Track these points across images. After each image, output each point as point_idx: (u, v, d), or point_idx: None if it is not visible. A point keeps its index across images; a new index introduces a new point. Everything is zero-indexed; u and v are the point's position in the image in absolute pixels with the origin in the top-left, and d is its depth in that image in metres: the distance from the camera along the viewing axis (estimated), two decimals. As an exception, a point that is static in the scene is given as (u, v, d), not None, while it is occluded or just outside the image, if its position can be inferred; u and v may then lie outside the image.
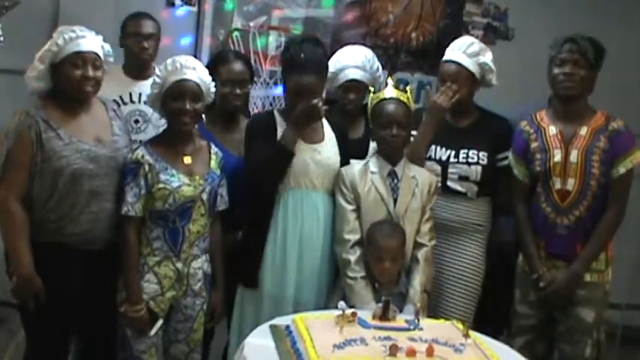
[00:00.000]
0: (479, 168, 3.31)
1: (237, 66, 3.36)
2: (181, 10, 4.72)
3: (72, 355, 3.23)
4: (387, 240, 2.95)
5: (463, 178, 3.33)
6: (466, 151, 3.32)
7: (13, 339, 3.87)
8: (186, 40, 4.72)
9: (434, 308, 3.25)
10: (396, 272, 2.99)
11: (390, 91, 3.11)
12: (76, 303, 2.91)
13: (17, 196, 2.79)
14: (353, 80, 3.44)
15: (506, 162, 3.34)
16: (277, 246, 3.06)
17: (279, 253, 3.06)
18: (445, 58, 3.37)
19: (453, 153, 3.34)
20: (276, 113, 3.15)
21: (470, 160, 3.31)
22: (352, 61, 3.48)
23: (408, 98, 3.11)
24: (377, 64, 3.55)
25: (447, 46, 3.45)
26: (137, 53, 3.61)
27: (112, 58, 3.03)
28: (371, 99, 3.15)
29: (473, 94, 3.38)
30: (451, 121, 3.40)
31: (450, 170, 3.33)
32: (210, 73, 3.10)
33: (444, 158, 3.34)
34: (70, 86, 2.87)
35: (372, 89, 3.22)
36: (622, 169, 3.11)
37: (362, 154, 3.24)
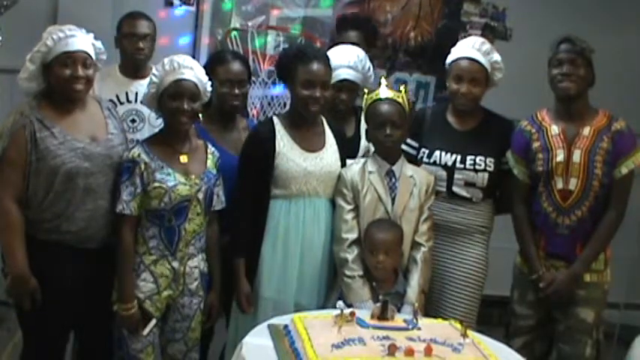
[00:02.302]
0: (485, 175, 3.27)
1: (235, 66, 3.34)
2: (180, 10, 4.72)
3: (69, 353, 3.23)
4: (381, 233, 2.96)
5: (469, 184, 3.29)
6: (473, 157, 3.28)
7: (11, 338, 3.87)
8: (185, 40, 4.72)
9: (436, 309, 3.25)
10: (391, 268, 2.99)
11: (384, 92, 3.11)
12: (73, 302, 2.91)
13: (13, 195, 2.79)
14: (345, 80, 3.40)
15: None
16: (278, 252, 3.05)
17: (279, 259, 3.05)
18: (458, 55, 3.31)
19: (459, 158, 3.28)
20: (275, 121, 3.13)
21: (477, 167, 3.27)
22: (344, 60, 3.43)
23: (402, 98, 3.11)
24: (368, 64, 3.50)
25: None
26: (132, 53, 3.60)
27: (104, 55, 3.02)
28: (365, 100, 3.15)
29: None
30: (455, 124, 3.37)
31: (456, 176, 3.29)
32: (208, 73, 3.09)
33: (449, 164, 3.29)
34: (60, 86, 2.87)
35: (366, 90, 3.21)
36: (624, 170, 3.11)
37: (352, 153, 3.25)
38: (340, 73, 3.41)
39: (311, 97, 3.02)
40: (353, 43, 3.66)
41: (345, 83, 3.40)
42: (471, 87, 3.25)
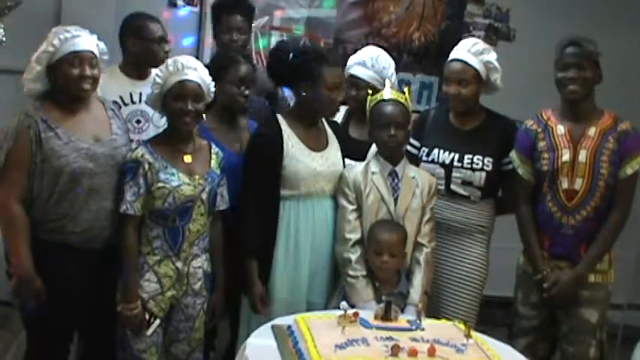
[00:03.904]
0: (483, 174, 3.28)
1: (246, 67, 3.35)
2: (183, 11, 4.73)
3: (73, 354, 3.24)
4: (387, 234, 2.97)
5: (467, 183, 3.30)
6: (471, 156, 3.29)
7: (15, 338, 3.88)
8: (189, 41, 4.73)
9: (437, 309, 3.25)
10: (394, 269, 3.00)
11: (387, 92, 3.12)
12: (77, 302, 2.91)
13: (17, 196, 2.80)
14: (353, 76, 3.45)
15: (511, 166, 3.31)
16: (290, 252, 3.05)
17: (291, 260, 3.05)
18: (450, 57, 3.35)
19: (457, 157, 3.30)
20: (280, 120, 3.13)
21: (474, 166, 3.28)
22: (357, 58, 3.52)
23: (406, 99, 3.12)
24: (383, 64, 3.51)
25: (449, 46, 3.44)
26: (158, 56, 3.48)
27: (106, 56, 3.03)
28: (369, 100, 3.15)
29: (479, 95, 3.35)
30: (456, 124, 3.38)
31: (453, 174, 3.30)
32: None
33: (447, 162, 3.31)
34: (68, 85, 2.88)
35: (369, 91, 3.22)
36: (629, 170, 3.11)
37: (363, 156, 3.25)
38: (349, 70, 3.49)
39: (336, 100, 3.11)
40: (239, 29, 3.73)
41: (353, 80, 3.45)
42: (459, 88, 3.27)
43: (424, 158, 3.36)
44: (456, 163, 3.30)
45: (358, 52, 3.58)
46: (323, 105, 3.11)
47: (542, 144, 3.21)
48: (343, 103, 3.44)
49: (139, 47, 3.53)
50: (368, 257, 3.01)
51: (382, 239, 2.96)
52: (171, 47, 3.67)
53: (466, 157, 3.30)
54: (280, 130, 3.07)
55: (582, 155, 3.14)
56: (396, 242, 2.98)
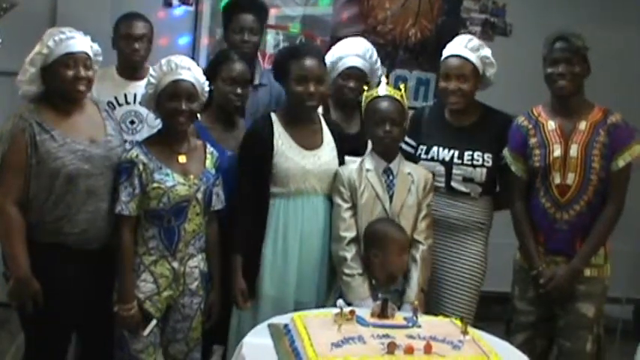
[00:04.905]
0: (484, 170, 3.28)
1: (240, 65, 3.30)
2: (179, 10, 4.73)
3: (71, 354, 3.24)
4: (400, 233, 2.98)
5: (468, 180, 3.30)
6: (471, 152, 3.29)
7: (13, 340, 3.88)
8: (184, 40, 4.73)
9: (435, 305, 3.25)
10: (404, 268, 3.00)
11: (383, 89, 3.12)
12: (74, 303, 2.91)
13: (14, 199, 2.80)
14: (353, 67, 3.43)
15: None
16: (278, 249, 3.06)
17: (279, 256, 3.06)
18: (447, 54, 3.34)
19: (457, 153, 3.30)
20: (274, 118, 3.14)
21: (475, 163, 3.28)
22: (352, 49, 3.48)
23: (402, 96, 3.11)
24: (376, 56, 3.54)
25: (446, 42, 3.44)
26: (128, 55, 3.60)
27: (100, 57, 3.03)
28: (365, 97, 3.15)
29: (476, 90, 3.35)
30: (452, 121, 3.38)
31: (454, 171, 3.30)
32: (212, 71, 3.13)
33: (447, 159, 3.31)
34: (63, 87, 2.88)
35: (366, 87, 3.22)
36: (621, 163, 3.10)
37: (358, 150, 3.25)
38: (347, 62, 3.45)
39: (305, 93, 3.04)
40: (251, 29, 3.65)
41: (352, 71, 3.42)
42: (459, 83, 3.27)
43: (423, 156, 3.36)
44: (456, 160, 3.30)
45: (345, 45, 3.52)
46: (293, 99, 3.11)
47: (533, 140, 3.21)
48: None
49: (123, 45, 3.58)
50: (372, 258, 2.99)
51: (399, 238, 2.96)
52: (151, 47, 3.68)
53: (466, 153, 3.30)
54: (272, 128, 3.09)
55: (573, 150, 3.13)
56: (406, 241, 2.99)
